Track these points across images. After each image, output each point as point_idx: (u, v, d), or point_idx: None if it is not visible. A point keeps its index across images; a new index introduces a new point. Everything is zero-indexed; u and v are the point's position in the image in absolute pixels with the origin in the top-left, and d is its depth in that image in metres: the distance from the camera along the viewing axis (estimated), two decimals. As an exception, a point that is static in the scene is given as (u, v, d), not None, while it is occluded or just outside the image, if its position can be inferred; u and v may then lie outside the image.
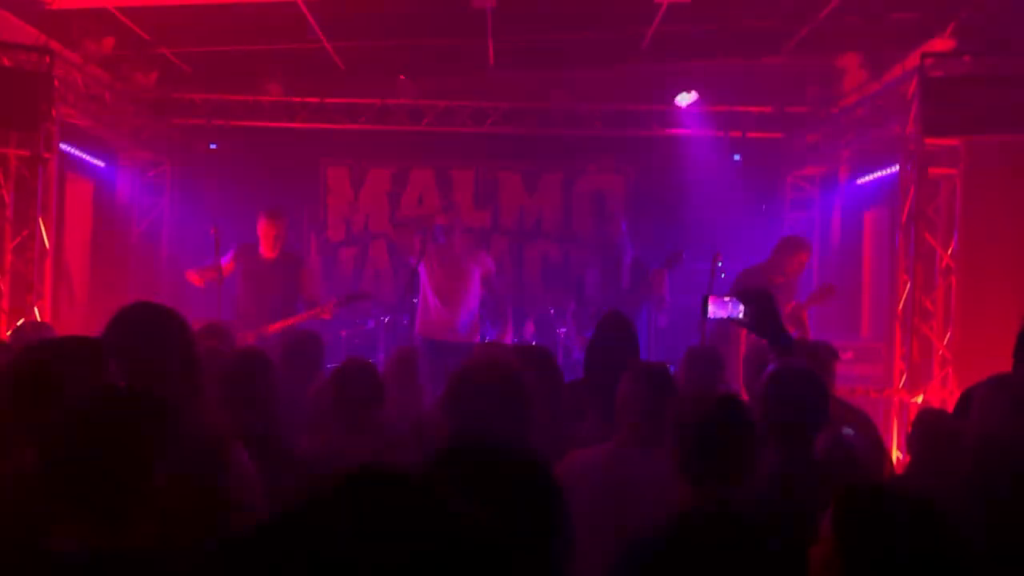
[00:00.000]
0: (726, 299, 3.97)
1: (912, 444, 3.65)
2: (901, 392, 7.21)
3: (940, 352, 7.33)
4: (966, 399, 3.75)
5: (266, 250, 7.37)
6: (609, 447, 3.38)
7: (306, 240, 10.37)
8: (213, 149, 10.04)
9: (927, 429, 3.59)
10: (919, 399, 7.01)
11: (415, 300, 7.94)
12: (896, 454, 6.96)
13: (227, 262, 7.36)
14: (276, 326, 7.10)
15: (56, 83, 7.57)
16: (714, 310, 4.16)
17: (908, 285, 7.27)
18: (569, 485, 3.21)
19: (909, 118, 7.26)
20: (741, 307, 4.04)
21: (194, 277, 7.55)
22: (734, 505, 2.61)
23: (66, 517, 1.94)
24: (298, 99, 9.66)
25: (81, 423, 2.03)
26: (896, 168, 7.78)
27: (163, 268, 10.27)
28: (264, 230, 7.34)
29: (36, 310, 7.44)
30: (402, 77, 9.50)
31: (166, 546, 1.96)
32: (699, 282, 7.19)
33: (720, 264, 7.28)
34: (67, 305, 9.02)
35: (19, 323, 6.99)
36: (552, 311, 8.86)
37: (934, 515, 1.97)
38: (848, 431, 3.68)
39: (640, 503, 3.08)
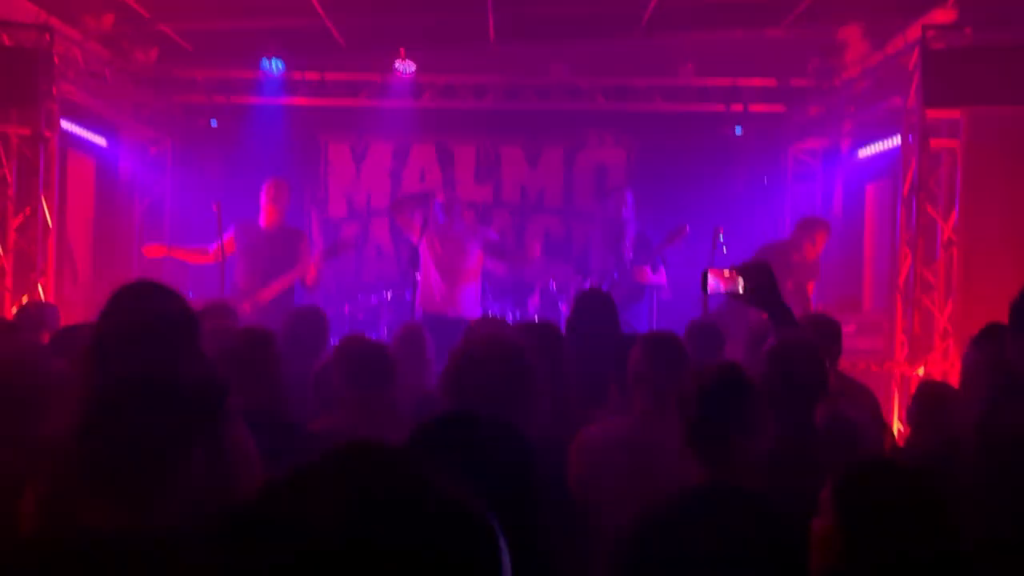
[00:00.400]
0: (727, 273, 3.97)
1: (913, 416, 3.68)
2: (902, 365, 7.24)
3: (941, 324, 7.34)
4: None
5: (265, 219, 7.39)
6: (630, 420, 3.40)
7: (307, 217, 10.37)
8: (214, 126, 10.03)
9: (928, 401, 3.61)
10: (920, 371, 7.04)
11: (417, 276, 7.95)
12: (897, 426, 6.99)
13: (228, 239, 7.37)
14: (268, 291, 7.15)
15: (56, 60, 7.56)
16: (714, 284, 4.17)
17: (909, 257, 7.28)
18: (593, 460, 3.27)
19: (911, 90, 7.25)
20: (741, 281, 4.04)
21: (179, 253, 7.60)
22: (740, 479, 2.64)
23: (99, 493, 1.95)
24: (298, 75, 9.64)
25: (126, 398, 2.02)
26: (898, 140, 7.77)
27: (166, 244, 10.26)
28: (264, 197, 7.37)
29: (39, 288, 7.47)
30: (403, 52, 9.47)
31: (189, 526, 1.97)
32: (701, 256, 7.21)
33: (721, 238, 7.30)
34: (70, 283, 9.05)
35: (23, 303, 7.02)
36: (554, 286, 8.87)
37: (934, 490, 1.99)
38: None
39: (668, 472, 3.10)
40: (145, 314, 2.75)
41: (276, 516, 0.98)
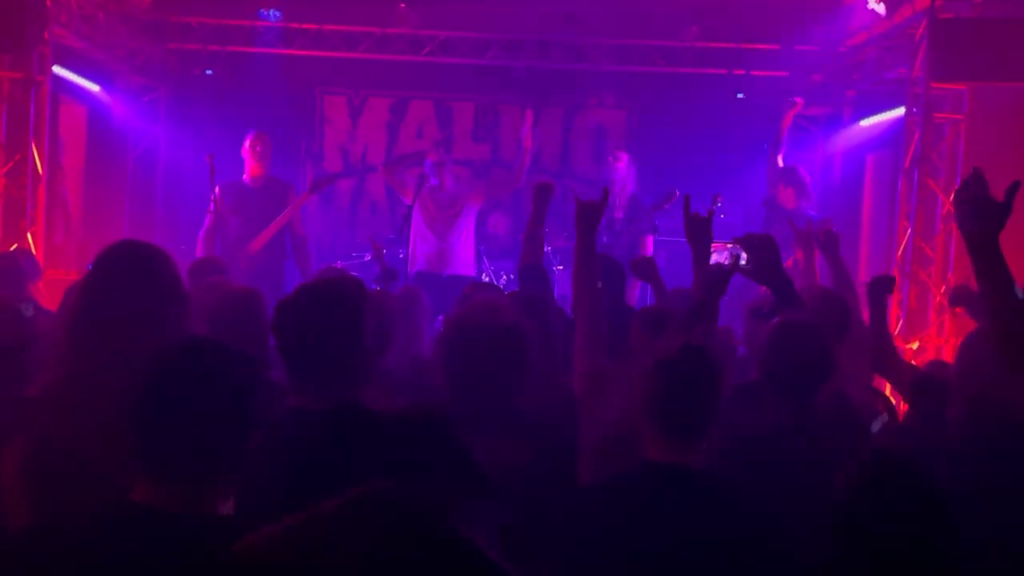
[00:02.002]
0: (729, 244, 3.90)
1: (910, 395, 3.64)
2: (897, 339, 7.21)
3: (937, 299, 7.32)
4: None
5: (249, 172, 7.29)
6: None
7: (302, 170, 10.27)
8: (209, 75, 9.88)
9: (925, 380, 3.58)
10: (914, 346, 7.02)
11: (411, 234, 7.89)
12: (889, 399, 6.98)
13: (214, 208, 7.23)
14: (258, 241, 7.10)
15: (48, 2, 7.40)
16: (714, 256, 4.11)
17: (908, 231, 7.24)
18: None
19: (916, 61, 7.15)
20: (742, 253, 3.98)
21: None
22: (698, 461, 2.58)
23: (150, 477, 1.89)
24: (296, 25, 9.48)
25: (176, 377, 1.92)
26: (901, 111, 7.69)
27: (158, 194, 10.18)
28: (247, 150, 7.28)
29: (29, 236, 7.38)
30: (402, 5, 9.31)
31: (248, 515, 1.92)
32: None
33: (719, 205, 7.23)
34: (62, 232, 8.96)
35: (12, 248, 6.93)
36: (549, 248, 8.80)
37: (940, 496, 1.94)
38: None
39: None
40: (132, 275, 2.70)
41: (290, 563, 0.96)
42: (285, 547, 0.99)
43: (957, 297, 4.66)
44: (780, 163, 7.85)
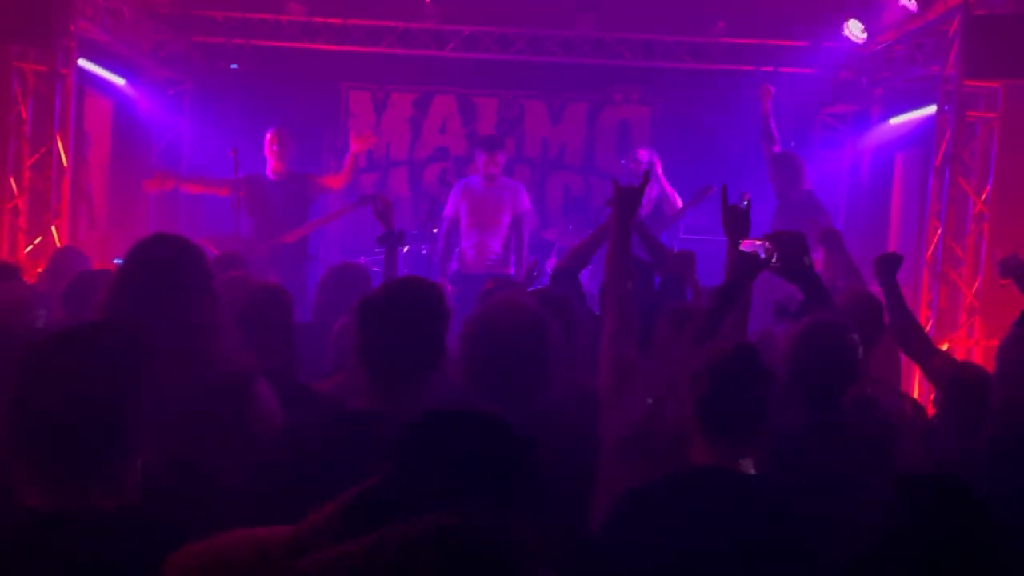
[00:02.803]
0: (758, 242, 3.82)
1: (943, 400, 3.57)
2: (926, 339, 7.10)
3: (968, 300, 7.20)
4: None
5: (272, 168, 7.29)
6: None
7: (325, 165, 10.24)
8: (234, 69, 9.87)
9: (965, 391, 3.49)
10: (944, 347, 6.90)
11: (434, 230, 7.87)
12: (918, 402, 6.88)
13: (232, 189, 7.25)
14: (295, 234, 7.12)
15: (74, -4, 7.41)
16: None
17: (939, 231, 7.12)
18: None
19: (949, 58, 7.03)
20: (772, 251, 3.90)
21: (191, 187, 7.59)
22: (755, 465, 2.52)
23: (35, 476, 1.80)
24: (320, 19, 9.46)
25: (44, 367, 1.82)
26: (932, 109, 7.56)
27: (182, 189, 10.18)
28: (268, 147, 7.27)
29: (53, 229, 7.40)
30: (427, 0, 9.27)
31: (151, 503, 1.85)
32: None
33: (747, 203, 7.13)
34: (86, 226, 8.98)
35: (59, 249, 6.90)
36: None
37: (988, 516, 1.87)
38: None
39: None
40: (163, 269, 2.69)
41: None
42: (348, 571, 0.93)
43: (1006, 268, 4.50)
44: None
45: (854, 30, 8.15)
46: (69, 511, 1.77)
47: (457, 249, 7.85)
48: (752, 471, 2.52)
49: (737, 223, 3.52)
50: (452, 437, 1.68)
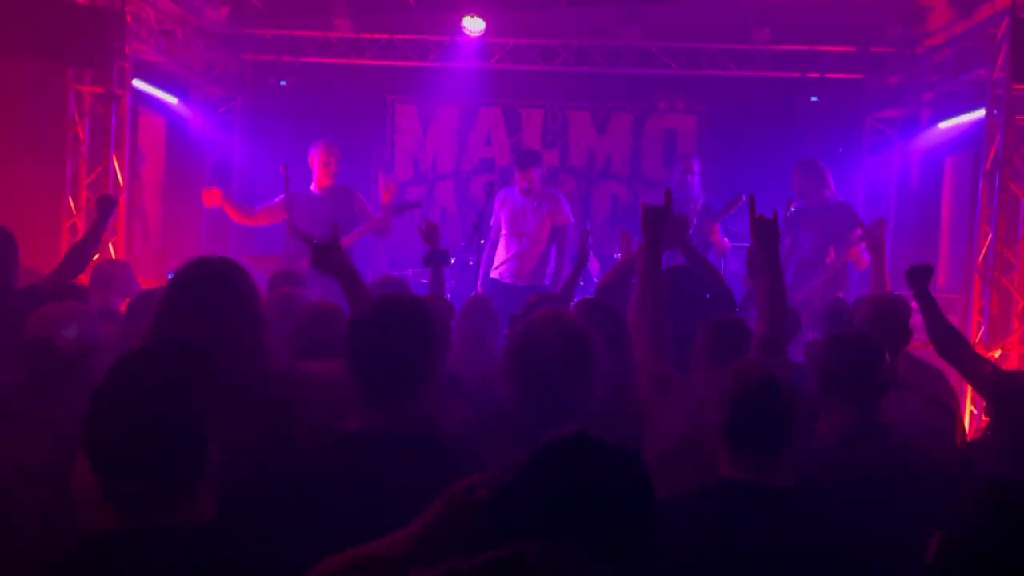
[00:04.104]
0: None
1: (993, 410, 3.53)
2: (977, 347, 7.01)
3: (1020, 305, 7.10)
4: None
5: (318, 182, 7.39)
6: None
7: (373, 179, 10.37)
8: (282, 86, 10.05)
9: (1010, 393, 3.47)
10: (997, 354, 6.82)
11: (482, 242, 7.94)
12: (970, 408, 6.80)
13: (277, 203, 7.36)
14: (342, 242, 7.18)
15: (128, 19, 7.61)
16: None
17: (989, 236, 7.04)
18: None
19: (997, 61, 6.95)
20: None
21: (231, 210, 7.60)
22: (774, 479, 2.53)
23: (111, 496, 1.83)
24: (367, 35, 9.60)
25: (122, 391, 1.86)
26: (981, 113, 7.48)
27: (233, 203, 10.35)
28: (315, 160, 7.37)
29: (111, 246, 7.58)
30: (472, 15, 9.36)
31: (225, 520, 1.90)
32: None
33: (793, 210, 7.11)
34: (141, 242, 9.18)
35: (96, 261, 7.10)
36: (619, 254, 8.74)
37: None
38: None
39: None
40: (209, 292, 2.75)
41: None
42: None
43: None
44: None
45: (896, 34, 8.08)
46: (146, 530, 1.80)
47: (496, 259, 7.93)
48: (781, 483, 2.53)
49: (766, 233, 3.55)
50: (584, 467, 1.72)
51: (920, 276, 4.21)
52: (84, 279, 5.72)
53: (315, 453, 2.56)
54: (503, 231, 7.88)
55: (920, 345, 6.68)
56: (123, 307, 5.42)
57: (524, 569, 0.99)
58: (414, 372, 2.57)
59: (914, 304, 4.34)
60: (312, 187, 7.47)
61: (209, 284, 2.77)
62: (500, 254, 7.90)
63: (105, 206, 5.67)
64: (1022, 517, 1.82)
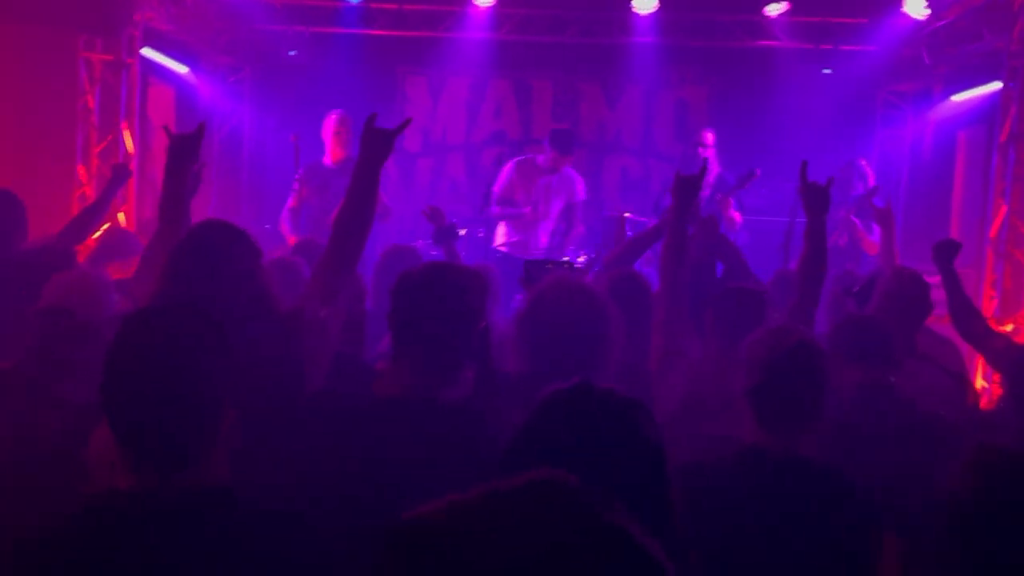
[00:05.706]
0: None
1: (1007, 381, 3.53)
2: (990, 320, 6.98)
3: (1033, 279, 7.07)
4: None
5: (330, 154, 7.35)
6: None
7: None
8: (292, 55, 10.00)
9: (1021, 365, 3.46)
10: (1009, 327, 6.79)
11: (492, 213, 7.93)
12: (980, 382, 6.79)
13: (298, 188, 7.33)
14: None
15: (138, -14, 7.57)
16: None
17: (1003, 209, 7.00)
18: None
19: (1014, 32, 6.88)
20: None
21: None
22: (798, 447, 2.54)
23: (127, 457, 1.83)
24: (377, 5, 9.53)
25: (132, 349, 1.84)
26: (996, 86, 7.42)
27: (243, 174, 10.36)
28: (327, 132, 7.34)
29: (121, 215, 7.59)
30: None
31: (238, 483, 1.88)
32: (785, 199, 7.02)
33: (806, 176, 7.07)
34: (151, 210, 9.18)
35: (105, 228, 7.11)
36: (630, 228, 8.73)
37: None
38: None
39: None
40: (209, 257, 2.75)
41: (453, 543, 0.95)
42: (453, 521, 0.98)
43: None
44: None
45: (915, 6, 8.00)
46: (160, 490, 1.80)
47: (506, 231, 7.86)
48: (803, 452, 2.54)
49: (816, 199, 3.56)
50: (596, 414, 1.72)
51: (948, 250, 4.21)
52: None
53: (326, 419, 2.55)
54: (517, 204, 7.80)
55: (934, 319, 6.66)
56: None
57: (563, 487, 0.99)
58: (463, 344, 2.58)
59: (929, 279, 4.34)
60: (325, 159, 7.44)
61: (213, 246, 2.77)
62: (510, 230, 7.84)
63: (120, 173, 5.67)
64: (999, 482, 1.84)
